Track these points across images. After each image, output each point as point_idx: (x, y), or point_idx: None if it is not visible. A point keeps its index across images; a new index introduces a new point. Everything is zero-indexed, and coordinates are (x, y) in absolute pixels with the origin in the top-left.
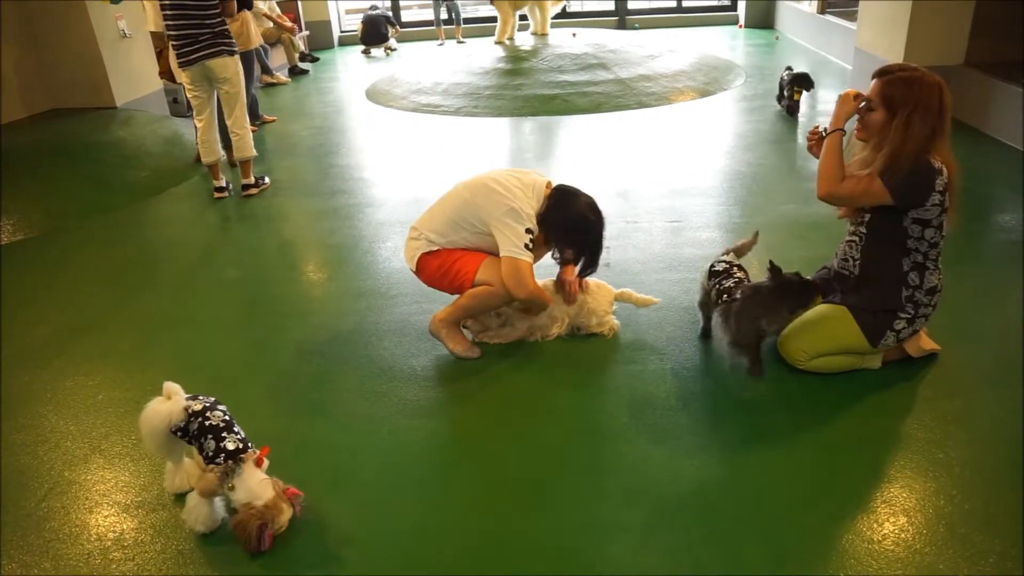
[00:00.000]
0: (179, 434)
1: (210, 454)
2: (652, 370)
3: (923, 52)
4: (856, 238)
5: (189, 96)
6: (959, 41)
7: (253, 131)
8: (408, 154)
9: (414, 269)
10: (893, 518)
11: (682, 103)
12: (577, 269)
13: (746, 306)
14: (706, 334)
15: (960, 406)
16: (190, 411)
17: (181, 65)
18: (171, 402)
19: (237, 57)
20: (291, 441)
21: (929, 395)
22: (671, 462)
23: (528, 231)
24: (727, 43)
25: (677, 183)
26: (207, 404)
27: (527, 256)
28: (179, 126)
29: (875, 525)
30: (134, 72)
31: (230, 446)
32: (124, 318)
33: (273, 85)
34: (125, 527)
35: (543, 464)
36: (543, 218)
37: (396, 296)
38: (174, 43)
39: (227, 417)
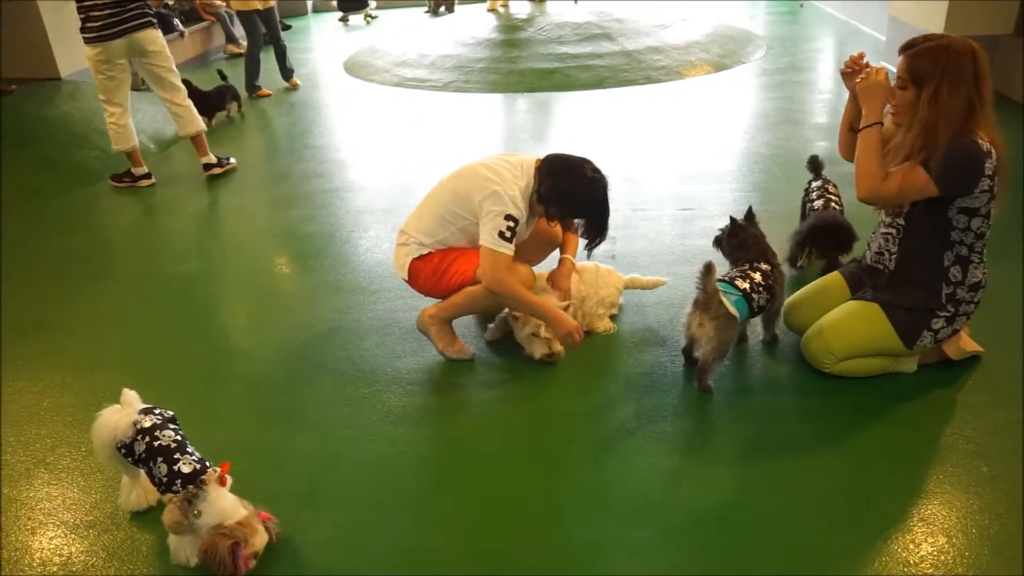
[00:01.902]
0: (123, 452)
1: (163, 480)
2: (663, 373)
3: (967, 20)
4: (893, 231)
5: (102, 76)
6: (1009, 6)
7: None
8: (391, 134)
9: (405, 278)
10: (932, 538)
11: (695, 78)
12: (586, 241)
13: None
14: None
15: (1006, 414)
16: (139, 427)
17: (103, 39)
18: (122, 413)
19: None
20: (263, 452)
21: (971, 402)
22: (684, 475)
23: (509, 217)
24: (746, 11)
25: (689, 167)
26: (158, 421)
27: (506, 248)
28: (133, 100)
29: (911, 546)
30: (81, 39)
31: (186, 469)
32: (73, 315)
33: (239, 56)
34: (74, 550)
35: (542, 477)
36: (541, 195)
37: (378, 291)
38: (94, 13)
39: (179, 436)
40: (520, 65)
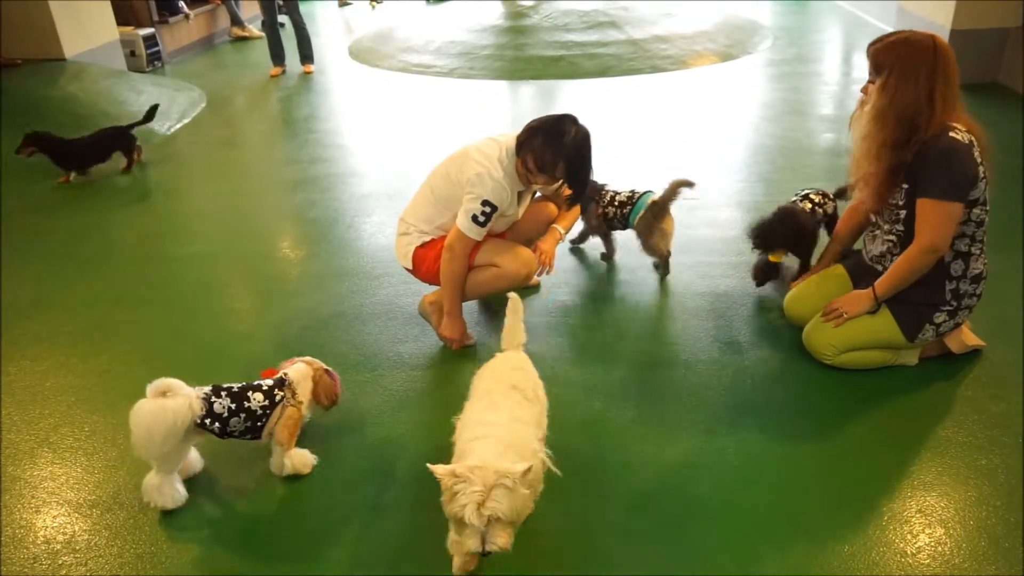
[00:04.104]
0: (209, 421)
1: (264, 405)
2: (664, 360)
3: (975, 12)
4: (894, 238)
5: None
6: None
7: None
8: (395, 119)
9: (409, 267)
10: (929, 529)
11: (701, 68)
12: (570, 192)
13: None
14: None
15: (1006, 408)
16: (205, 394)
17: None
18: (176, 400)
19: None
20: None
21: (971, 395)
22: (684, 462)
23: (486, 203)
24: (753, 1)
25: (694, 157)
26: (208, 389)
27: (474, 233)
28: (137, 82)
29: (909, 536)
30: (86, 19)
31: (270, 382)
32: (76, 296)
33: (244, 39)
34: (77, 528)
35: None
36: (523, 158)
37: (381, 276)
38: None
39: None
40: (526, 52)
